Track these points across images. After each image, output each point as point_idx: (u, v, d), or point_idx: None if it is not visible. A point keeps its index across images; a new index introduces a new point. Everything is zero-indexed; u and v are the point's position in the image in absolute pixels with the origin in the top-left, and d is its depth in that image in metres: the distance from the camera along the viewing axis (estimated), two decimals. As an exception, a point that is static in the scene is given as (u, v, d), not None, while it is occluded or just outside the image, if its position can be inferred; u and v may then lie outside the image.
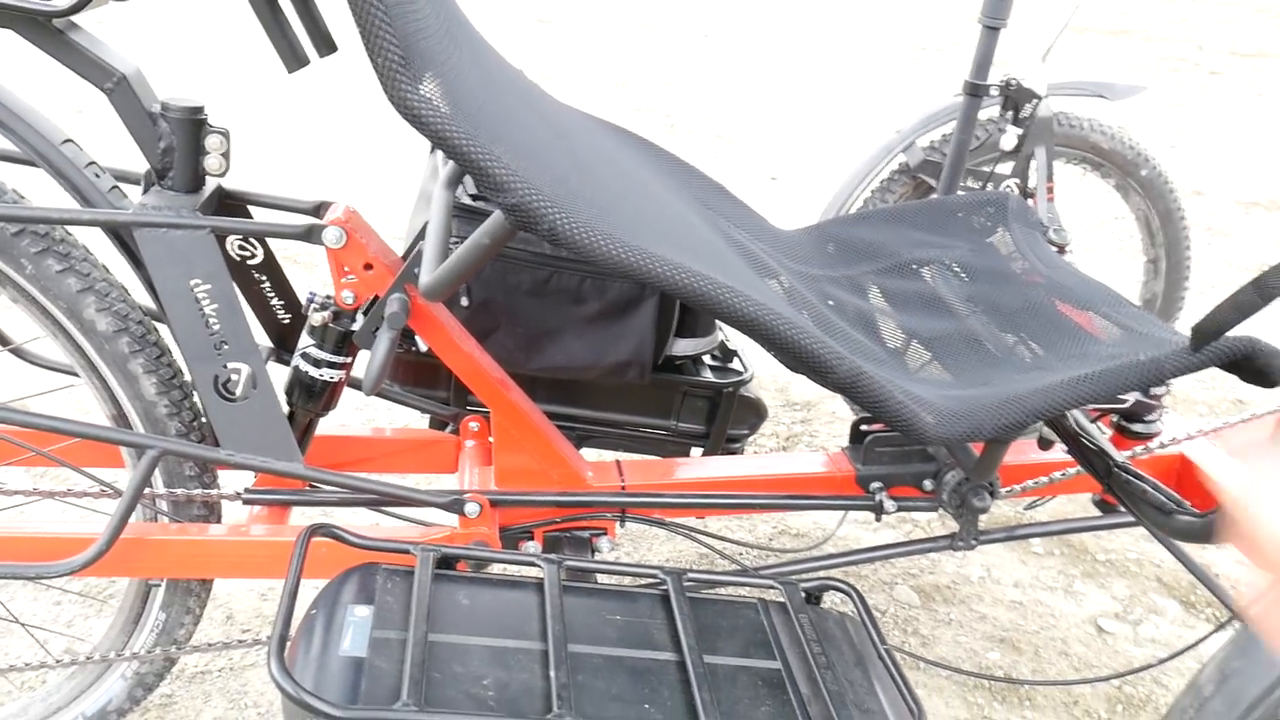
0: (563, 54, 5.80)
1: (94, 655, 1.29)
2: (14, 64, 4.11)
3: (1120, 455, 1.23)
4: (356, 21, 0.84)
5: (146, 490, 1.18)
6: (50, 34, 1.03)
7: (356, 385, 1.35)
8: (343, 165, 3.77)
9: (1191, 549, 1.38)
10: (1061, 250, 1.74)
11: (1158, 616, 1.79)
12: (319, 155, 3.83)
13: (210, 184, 1.15)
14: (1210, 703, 0.86)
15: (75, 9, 1.00)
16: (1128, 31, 6.71)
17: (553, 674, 0.94)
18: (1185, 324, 2.23)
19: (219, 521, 1.26)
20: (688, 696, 0.97)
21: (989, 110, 1.79)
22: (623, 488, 1.31)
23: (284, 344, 1.36)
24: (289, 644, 0.95)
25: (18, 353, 1.41)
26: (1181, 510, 1.10)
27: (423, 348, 1.43)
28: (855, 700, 1.02)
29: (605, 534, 1.33)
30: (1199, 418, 2.39)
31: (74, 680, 1.34)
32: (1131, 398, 1.41)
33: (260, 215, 1.26)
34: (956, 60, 5.82)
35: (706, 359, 1.55)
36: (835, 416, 2.38)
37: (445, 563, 1.07)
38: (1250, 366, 1.05)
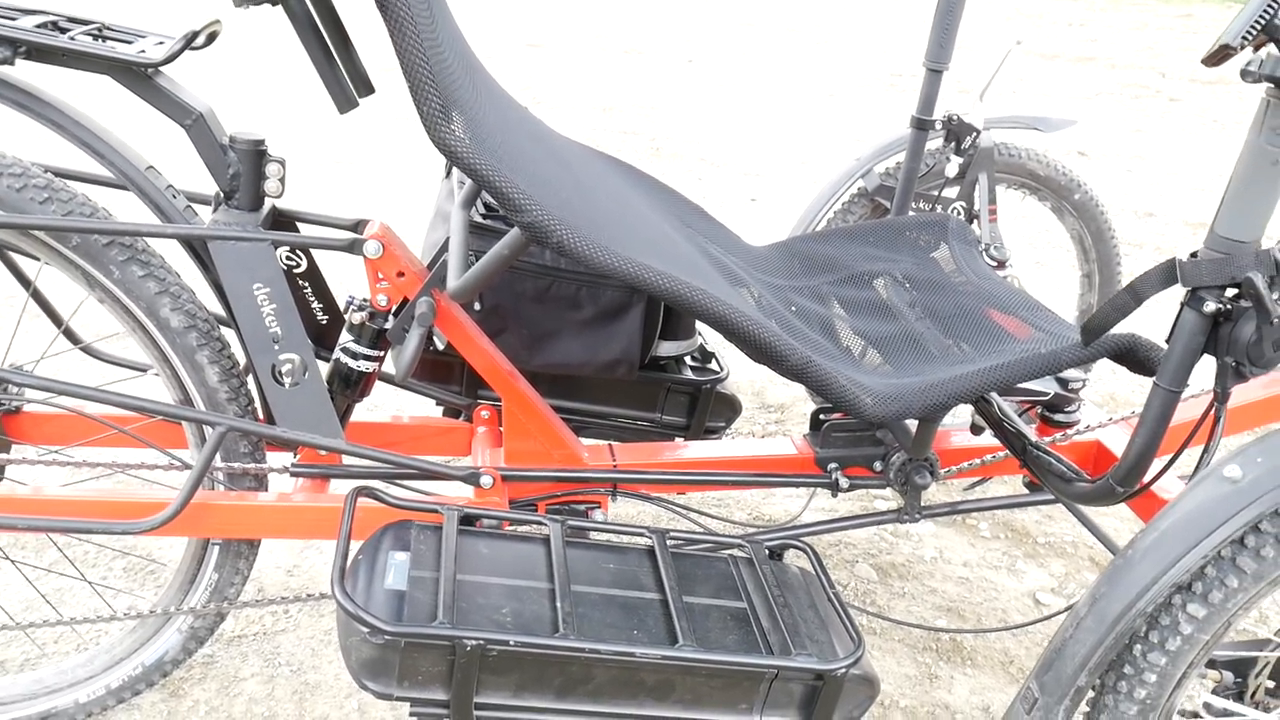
0: (552, 77, 6.04)
1: (156, 610, 1.49)
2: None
3: (1037, 438, 1.45)
4: (406, 77, 1.06)
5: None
6: (144, 81, 1.24)
7: (385, 378, 1.56)
8: (366, 186, 3.98)
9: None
10: (1001, 265, 1.97)
11: (1088, 590, 2.01)
12: (348, 180, 4.05)
13: (267, 204, 1.36)
14: (1084, 621, 1.08)
15: (167, 61, 1.22)
16: (1094, 59, 7.00)
17: (559, 605, 1.15)
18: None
19: (265, 492, 1.47)
20: (669, 626, 1.18)
21: (937, 141, 2.03)
22: (614, 466, 1.52)
23: (321, 342, 1.56)
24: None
25: (87, 350, 1.61)
26: (1080, 478, 1.32)
27: (439, 346, 1.64)
28: (808, 633, 1.23)
29: (599, 507, 1.54)
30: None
31: (135, 634, 1.54)
32: (1051, 391, 1.63)
33: (307, 231, 1.47)
34: (929, 87, 6.08)
35: (688, 360, 1.77)
36: (806, 418, 2.60)
37: (466, 521, 1.29)
38: (1133, 357, 1.28)
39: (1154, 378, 1.17)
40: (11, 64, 1.19)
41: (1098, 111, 5.62)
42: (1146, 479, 1.23)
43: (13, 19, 1.22)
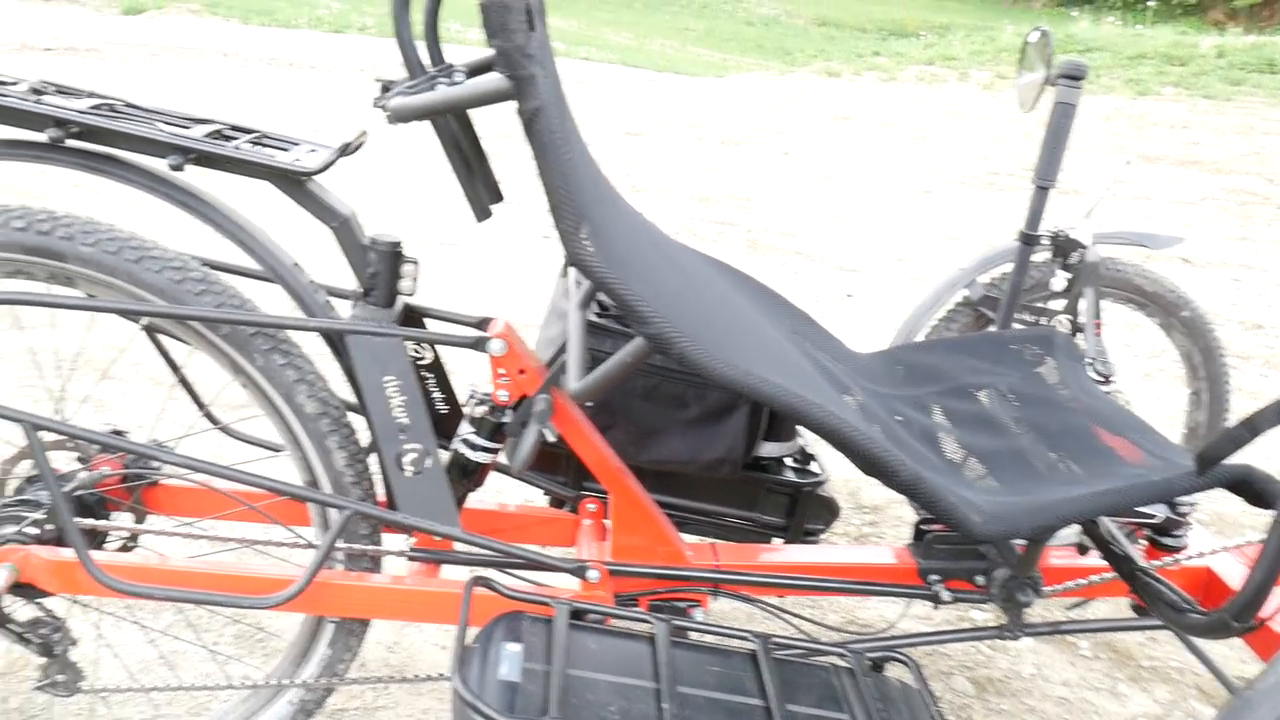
0: (651, 167, 6.19)
1: (272, 681, 1.55)
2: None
3: (1145, 562, 1.44)
4: (548, 196, 1.13)
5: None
6: (298, 186, 1.34)
7: (498, 468, 1.62)
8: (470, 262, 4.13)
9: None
10: (1106, 380, 1.96)
11: None
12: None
13: (400, 301, 1.44)
14: (1199, 759, 1.06)
15: (322, 170, 1.31)
16: (1198, 162, 6.92)
17: (665, 706, 1.18)
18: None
19: (380, 574, 1.53)
20: (772, 735, 1.19)
21: (1043, 254, 2.05)
22: (717, 566, 1.54)
23: (439, 430, 1.63)
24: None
25: (225, 430, 1.71)
26: (1191, 609, 1.30)
27: (549, 438, 1.70)
28: (909, 750, 1.23)
29: (699, 605, 1.56)
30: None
31: (248, 703, 1.60)
32: (1161, 514, 1.61)
33: (435, 327, 1.55)
34: (1027, 186, 6.08)
35: (788, 461, 1.79)
36: (901, 520, 2.59)
37: (576, 615, 1.32)
38: (1249, 490, 1.27)
39: (1274, 511, 1.16)
40: (182, 170, 1.29)
41: (1202, 218, 5.55)
42: (1264, 614, 1.21)
43: (186, 128, 1.33)
